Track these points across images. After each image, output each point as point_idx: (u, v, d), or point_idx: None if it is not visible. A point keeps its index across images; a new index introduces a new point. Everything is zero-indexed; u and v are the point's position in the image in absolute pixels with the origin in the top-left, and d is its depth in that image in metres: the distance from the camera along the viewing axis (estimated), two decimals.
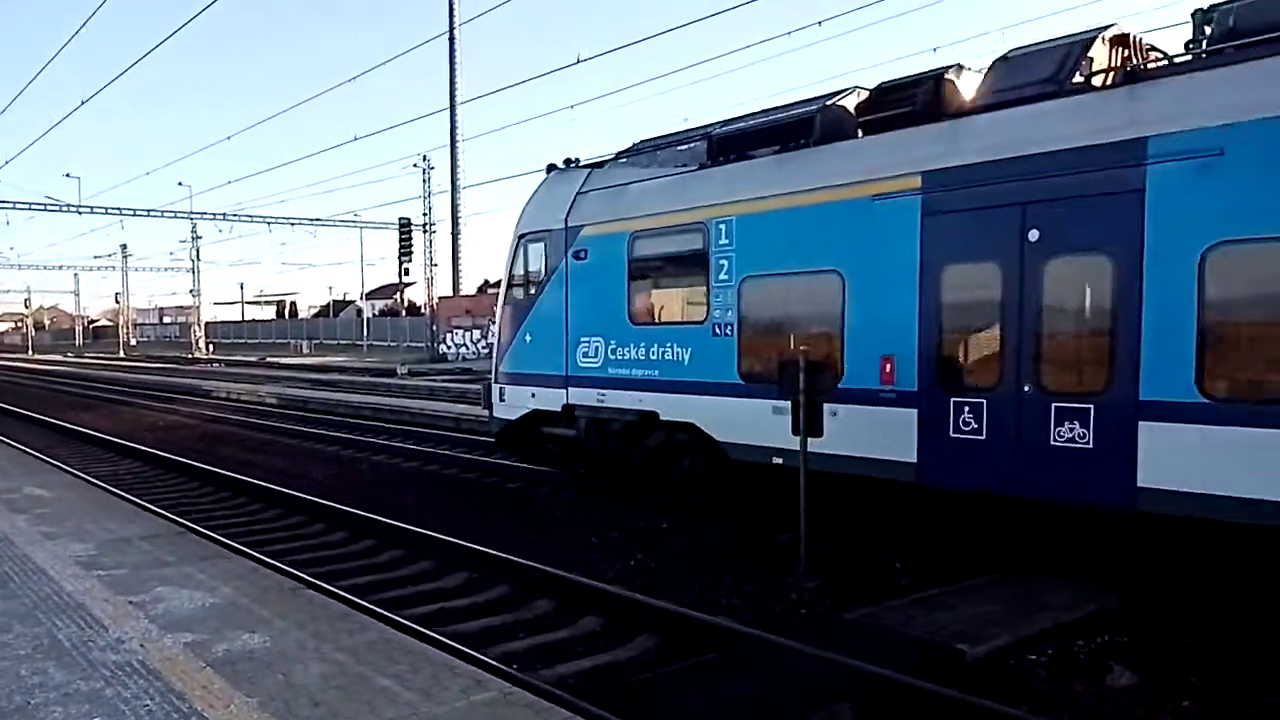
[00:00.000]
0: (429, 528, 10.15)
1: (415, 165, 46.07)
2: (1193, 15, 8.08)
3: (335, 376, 38.18)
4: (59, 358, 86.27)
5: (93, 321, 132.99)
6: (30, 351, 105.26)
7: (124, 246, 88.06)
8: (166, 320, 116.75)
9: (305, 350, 73.02)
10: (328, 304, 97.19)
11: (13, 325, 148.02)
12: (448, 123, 29.79)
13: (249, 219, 55.91)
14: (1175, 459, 7.19)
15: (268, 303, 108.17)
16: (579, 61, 22.19)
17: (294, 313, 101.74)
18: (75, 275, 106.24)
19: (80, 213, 53.17)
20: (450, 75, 28.83)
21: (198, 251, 76.61)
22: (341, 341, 76.12)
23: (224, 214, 57.26)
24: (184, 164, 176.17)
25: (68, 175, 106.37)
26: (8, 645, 5.27)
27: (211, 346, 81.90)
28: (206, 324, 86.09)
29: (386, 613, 6.87)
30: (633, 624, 7.26)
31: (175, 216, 59.36)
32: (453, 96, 29.21)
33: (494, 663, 5.93)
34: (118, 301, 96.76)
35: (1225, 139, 6.91)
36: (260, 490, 12.92)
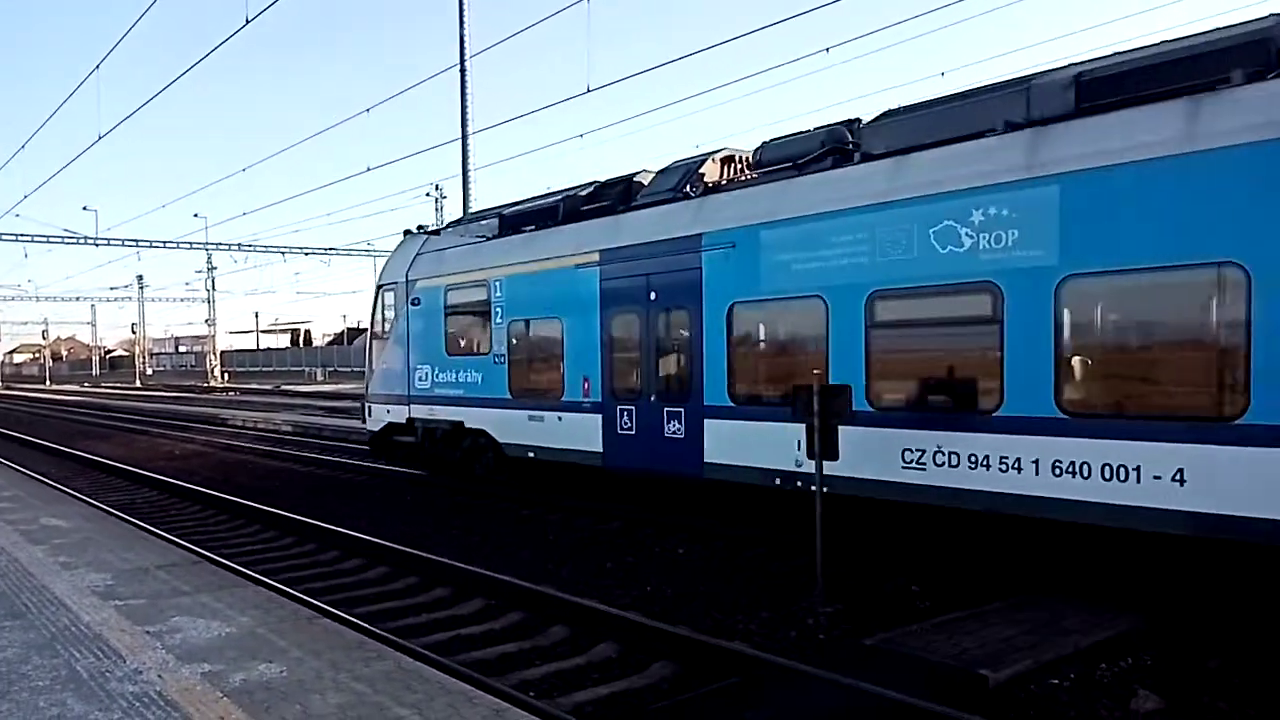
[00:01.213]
0: (443, 554, 10.14)
1: (428, 194, 46.31)
2: (755, 149, 11.50)
3: (349, 404, 38.29)
4: (76, 388, 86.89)
5: (109, 351, 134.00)
6: (48, 382, 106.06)
7: (140, 277, 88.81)
8: (182, 349, 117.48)
9: (320, 377, 73.34)
10: (342, 331, 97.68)
11: (31, 356, 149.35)
12: (459, 152, 29.95)
13: (264, 249, 56.37)
14: (721, 442, 10.76)
15: (282, 331, 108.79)
16: (589, 91, 22.31)
17: (308, 341, 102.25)
18: (92, 306, 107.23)
19: (98, 245, 53.65)
20: (461, 106, 29.04)
21: (213, 282, 77.18)
22: (356, 368, 76.39)
23: (239, 244, 57.72)
24: (199, 196, 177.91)
25: (85, 208, 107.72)
26: (26, 676, 5.27)
27: (227, 375, 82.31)
28: (222, 353, 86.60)
29: (403, 641, 6.84)
30: (649, 650, 7.21)
31: (191, 247, 59.88)
32: (464, 126, 29.39)
33: (512, 691, 5.89)
34: (134, 332, 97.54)
35: (735, 237, 10.60)
36: (275, 518, 12.95)
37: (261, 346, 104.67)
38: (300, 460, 20.25)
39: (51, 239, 52.84)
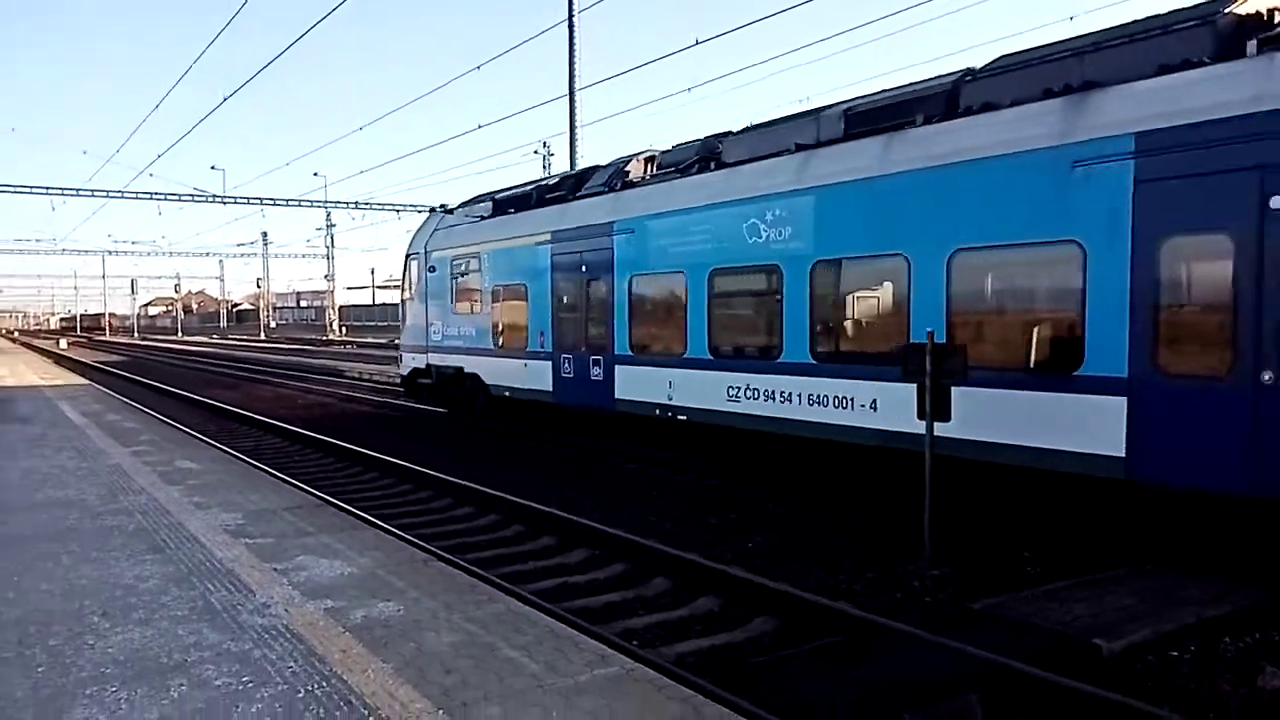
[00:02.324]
0: (553, 505, 10.38)
1: (536, 152, 46.61)
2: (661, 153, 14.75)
3: None
4: (205, 339, 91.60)
5: (235, 305, 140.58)
6: (179, 333, 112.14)
7: (264, 234, 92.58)
8: (303, 304, 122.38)
9: None
10: None
11: (164, 309, 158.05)
12: (567, 109, 30.04)
13: (379, 206, 57.88)
14: (626, 383, 13.76)
15: (397, 287, 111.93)
16: (697, 43, 22.04)
17: None
18: (220, 261, 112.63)
19: (224, 203, 55.80)
20: (570, 62, 29.06)
21: (332, 238, 79.93)
22: None
23: (356, 202, 59.34)
24: (319, 155, 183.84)
25: (213, 168, 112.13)
26: (166, 606, 5.65)
27: (345, 329, 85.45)
28: (340, 307, 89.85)
29: (513, 586, 7.05)
30: (751, 606, 7.25)
31: (311, 205, 61.86)
32: (572, 83, 29.43)
33: (616, 639, 6.02)
34: (259, 286, 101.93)
35: (634, 225, 13.53)
36: (391, 466, 13.45)
37: (378, 301, 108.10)
38: (414, 411, 20.93)
39: (182, 197, 55.25)
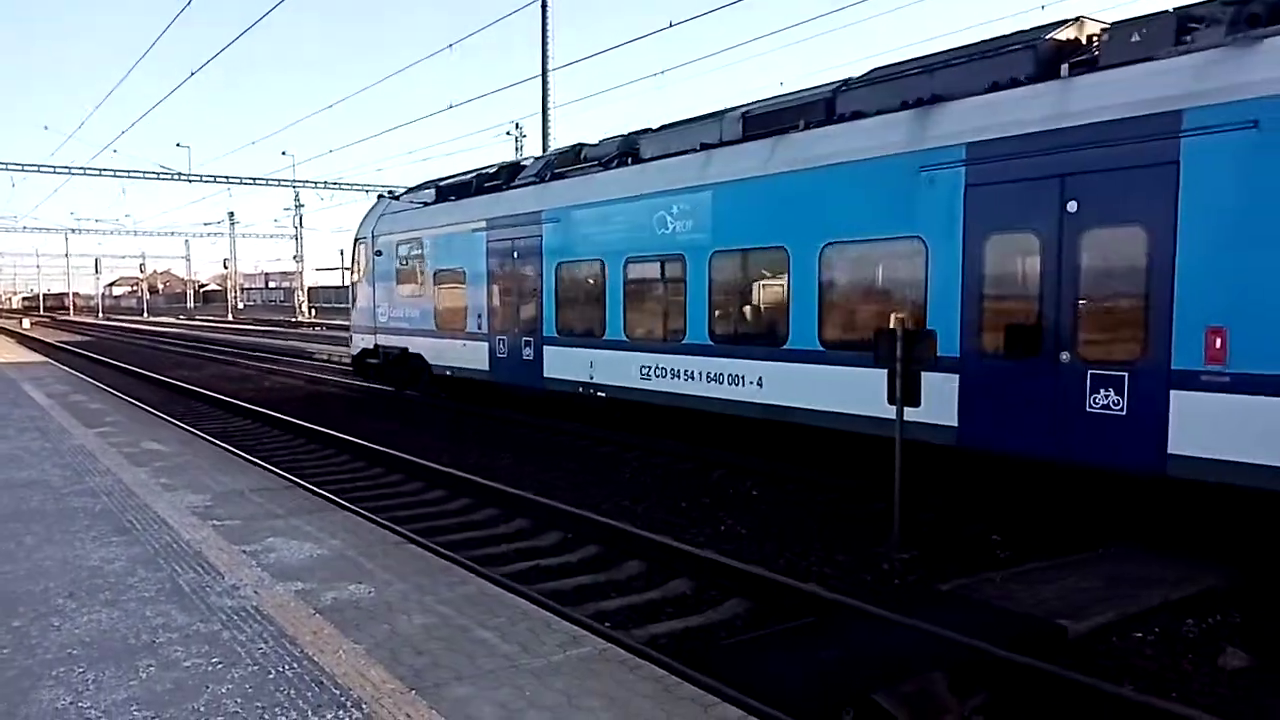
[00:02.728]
0: (525, 489, 10.37)
1: (508, 133, 46.33)
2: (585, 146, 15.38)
3: None
4: (172, 320, 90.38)
5: (203, 286, 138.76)
6: (145, 314, 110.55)
7: (231, 214, 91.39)
8: (272, 285, 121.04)
9: None
10: None
11: (129, 289, 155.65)
12: (539, 90, 29.85)
13: (349, 186, 57.36)
14: (553, 362, 14.72)
15: None
16: (670, 26, 21.96)
17: None
18: (186, 241, 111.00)
19: (190, 181, 55.23)
20: (543, 42, 28.86)
21: (300, 219, 79.02)
22: None
23: (325, 182, 58.89)
24: (287, 134, 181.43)
25: (179, 145, 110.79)
26: (133, 588, 5.59)
27: (314, 310, 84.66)
28: (309, 289, 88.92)
29: (485, 570, 7.03)
30: (723, 588, 7.29)
31: (280, 185, 61.28)
32: (545, 64, 29.24)
33: (589, 621, 6.03)
34: (226, 267, 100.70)
35: (559, 214, 14.42)
36: (361, 449, 13.36)
37: (347, 283, 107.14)
38: (383, 393, 20.79)
39: (147, 174, 54.62)
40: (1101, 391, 8.02)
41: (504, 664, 4.42)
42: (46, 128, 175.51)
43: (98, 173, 52.50)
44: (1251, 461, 7.07)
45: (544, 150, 27.17)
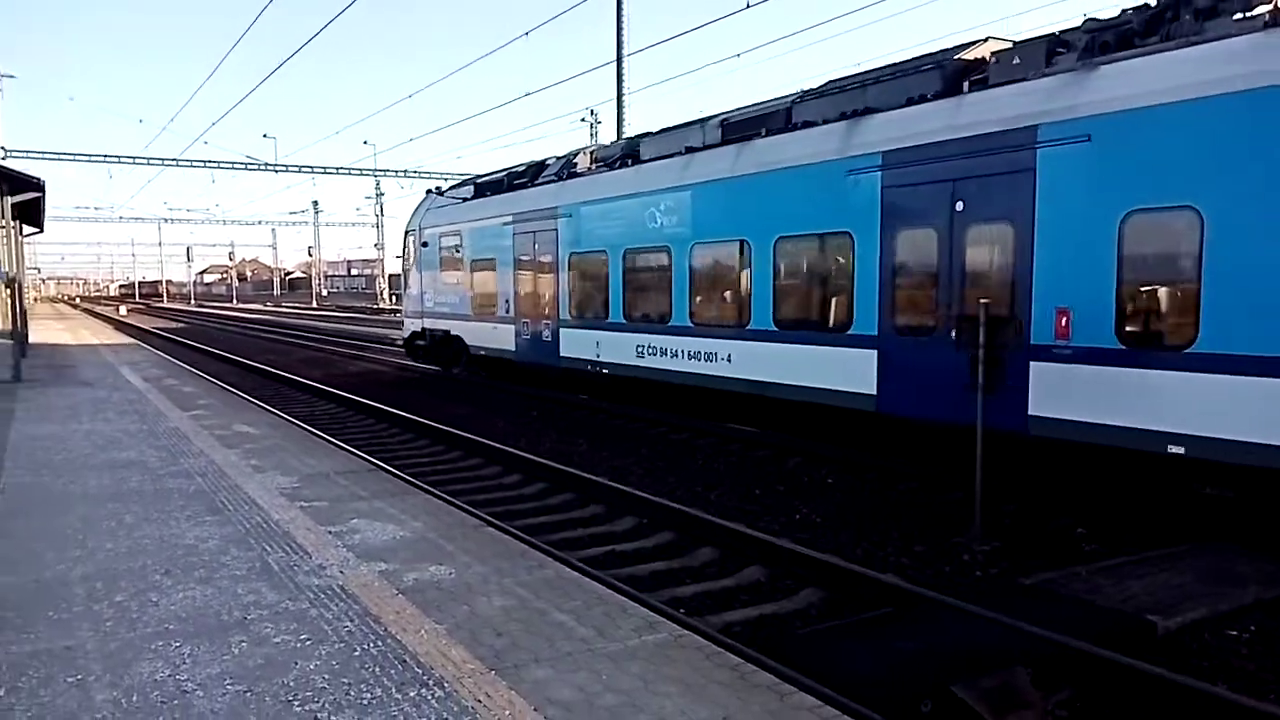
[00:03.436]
0: (600, 474, 10.45)
1: (583, 120, 46.51)
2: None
3: None
4: (259, 307, 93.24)
5: (288, 273, 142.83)
6: (234, 301, 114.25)
7: (315, 203, 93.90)
8: (354, 272, 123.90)
9: None
10: None
11: (219, 276, 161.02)
12: (614, 77, 29.86)
13: (428, 175, 58.26)
14: (568, 343, 16.41)
15: None
16: (748, 7, 21.72)
17: None
18: (273, 230, 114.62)
19: (277, 171, 56.81)
20: (617, 28, 28.84)
21: (381, 206, 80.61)
22: None
23: (405, 171, 59.92)
24: (369, 123, 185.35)
25: (265, 136, 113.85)
26: (226, 566, 5.80)
27: (395, 297, 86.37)
28: (390, 276, 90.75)
29: (562, 553, 7.11)
30: (798, 577, 7.25)
31: (361, 174, 62.63)
32: (620, 49, 29.22)
33: (664, 606, 6.06)
34: (310, 254, 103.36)
35: (572, 210, 16.03)
36: (440, 433, 13.62)
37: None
38: (464, 379, 21.14)
39: (235, 165, 56.31)
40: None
41: (581, 647, 4.47)
42: (141, 121, 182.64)
43: (189, 164, 54.36)
44: (1086, 420, 8.52)
45: (619, 135, 27.20)
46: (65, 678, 4.14)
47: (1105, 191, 8.35)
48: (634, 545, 8.36)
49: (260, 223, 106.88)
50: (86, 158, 53.33)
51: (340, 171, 59.87)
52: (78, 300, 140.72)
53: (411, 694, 3.96)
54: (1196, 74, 7.77)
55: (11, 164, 33.18)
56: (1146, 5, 8.88)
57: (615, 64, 29.57)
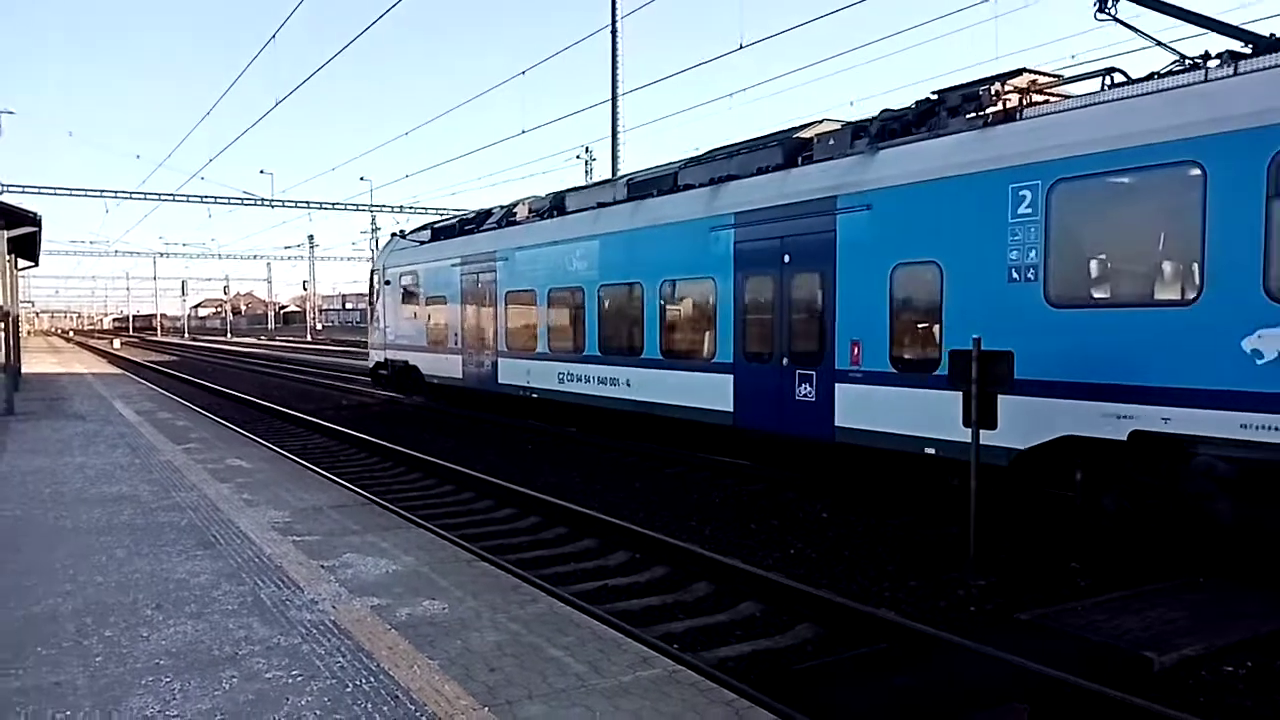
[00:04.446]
0: (593, 508, 10.41)
1: (578, 157, 46.88)
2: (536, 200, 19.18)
3: None
4: (253, 340, 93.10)
5: (283, 307, 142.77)
6: (229, 334, 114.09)
7: (311, 237, 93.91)
8: (349, 306, 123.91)
9: None
10: None
11: (213, 310, 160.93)
12: (609, 114, 30.14)
13: (424, 210, 58.49)
14: (503, 372, 18.43)
15: None
16: (741, 47, 22.01)
17: None
18: (268, 264, 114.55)
19: (272, 206, 56.94)
20: (612, 67, 29.16)
21: (377, 241, 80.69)
22: None
23: (400, 206, 60.13)
24: (365, 159, 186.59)
25: (262, 171, 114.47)
26: (217, 601, 5.76)
27: None
28: None
29: (555, 589, 7.07)
30: (793, 612, 7.21)
31: (357, 209, 62.84)
32: (614, 88, 29.52)
33: (658, 642, 6.02)
34: (305, 288, 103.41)
35: (507, 254, 18.32)
36: (433, 466, 13.58)
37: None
38: (456, 413, 21.12)
39: (232, 200, 56.46)
40: (803, 386, 11.42)
41: (575, 683, 4.44)
42: (139, 157, 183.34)
43: (185, 199, 54.48)
44: (873, 429, 10.51)
45: (613, 174, 27.44)
46: (54, 714, 4.10)
47: (880, 248, 10.41)
48: (628, 580, 8.32)
49: (256, 257, 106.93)
50: (83, 193, 53.44)
51: (336, 207, 60.08)
52: (71, 333, 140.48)
53: None
54: (936, 160, 9.88)
55: (8, 198, 33.24)
56: (926, 100, 10.80)
57: (610, 102, 29.86)
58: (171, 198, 54.14)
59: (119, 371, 34.82)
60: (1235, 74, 7.82)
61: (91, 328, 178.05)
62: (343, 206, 60.43)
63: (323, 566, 6.54)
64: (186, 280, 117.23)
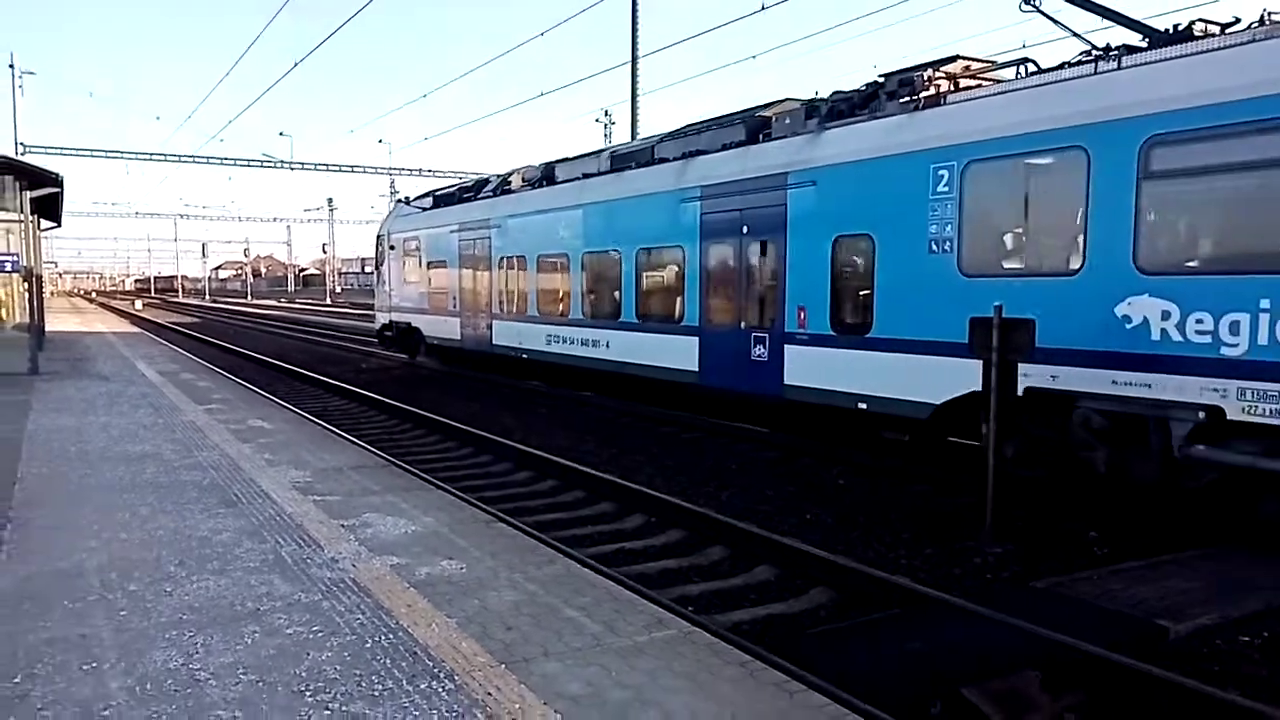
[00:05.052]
0: (610, 473, 10.47)
1: (597, 120, 46.52)
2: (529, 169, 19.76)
3: None
4: (274, 303, 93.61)
5: (303, 270, 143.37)
6: (249, 297, 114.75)
7: (330, 200, 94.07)
8: (368, 270, 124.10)
9: None
10: None
11: (234, 272, 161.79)
12: (629, 77, 29.89)
13: (443, 174, 58.44)
14: (498, 333, 19.37)
15: None
16: (763, 9, 21.72)
17: None
18: (288, 227, 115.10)
19: (292, 169, 57.06)
20: (632, 28, 28.86)
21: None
22: None
23: (419, 169, 60.15)
24: (384, 122, 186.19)
25: (281, 134, 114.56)
26: (239, 559, 5.85)
27: None
28: None
29: (572, 550, 7.13)
30: (808, 577, 7.24)
31: (376, 172, 62.86)
32: (634, 50, 29.24)
33: (673, 604, 6.07)
34: (325, 251, 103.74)
35: (500, 222, 19.25)
36: (452, 429, 13.67)
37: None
38: (476, 376, 21.22)
39: (251, 162, 56.62)
40: (758, 347, 12.35)
41: (590, 642, 4.49)
42: (159, 118, 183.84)
43: (206, 160, 54.70)
44: (816, 386, 11.44)
45: (632, 137, 27.27)
46: (80, 665, 4.19)
47: (824, 221, 11.28)
48: (643, 543, 8.38)
49: (275, 220, 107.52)
50: (104, 154, 53.66)
51: (355, 170, 60.09)
52: (93, 294, 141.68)
53: (422, 686, 3.98)
54: (872, 140, 10.73)
55: (30, 159, 33.38)
56: (873, 83, 11.45)
57: (630, 65, 29.59)
58: (191, 159, 54.40)
59: (141, 332, 35.13)
60: (1119, 68, 8.63)
61: (114, 289, 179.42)
62: (362, 169, 60.43)
63: (343, 526, 6.62)
64: (207, 243, 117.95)
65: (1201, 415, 7.65)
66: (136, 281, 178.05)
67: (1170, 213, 8.14)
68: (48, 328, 27.61)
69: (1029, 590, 6.92)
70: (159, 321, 50.74)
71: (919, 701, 5.17)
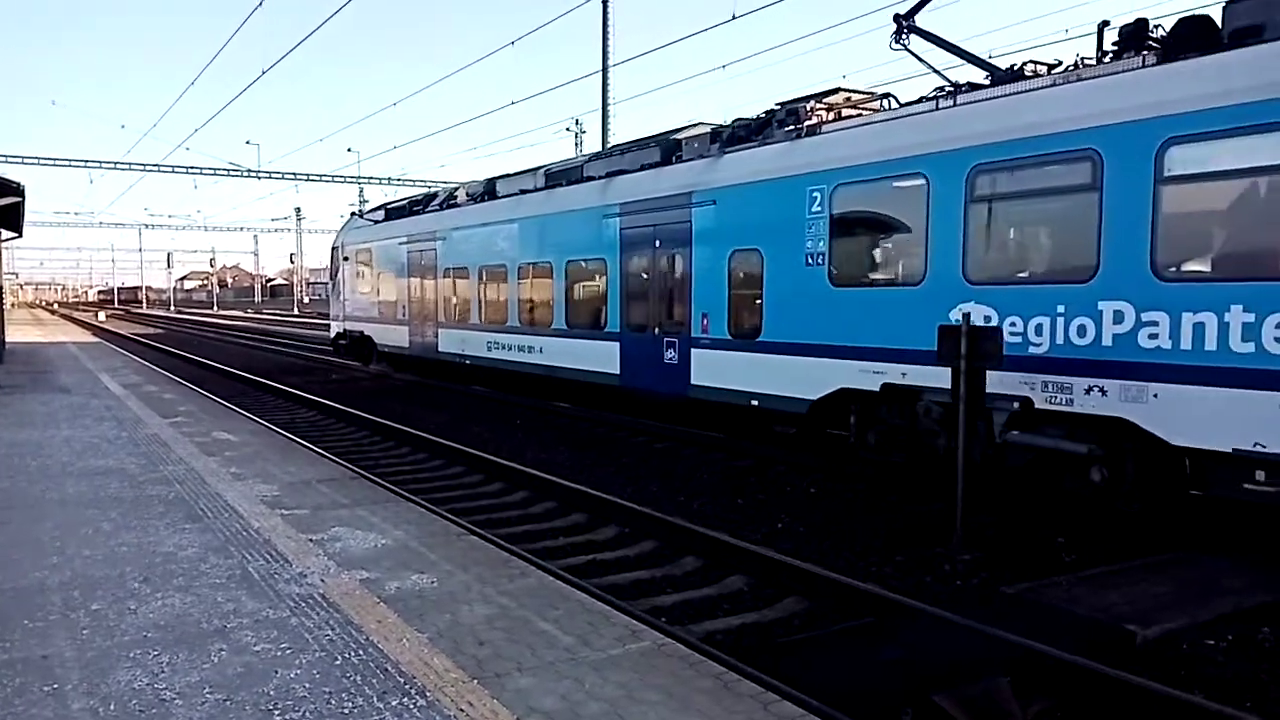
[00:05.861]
0: (583, 483, 10.43)
1: (568, 129, 46.62)
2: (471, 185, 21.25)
3: None
4: (240, 313, 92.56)
5: (270, 280, 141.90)
6: (215, 308, 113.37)
7: (298, 209, 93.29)
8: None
9: None
10: None
11: (199, 283, 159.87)
12: (599, 86, 29.95)
13: (412, 183, 58.16)
14: (444, 341, 20.56)
15: None
16: (734, 18, 21.87)
17: None
18: (255, 236, 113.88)
19: (259, 177, 56.58)
20: (603, 38, 28.93)
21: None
22: None
23: (389, 178, 59.81)
24: (353, 131, 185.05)
25: (248, 142, 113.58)
26: (205, 574, 5.76)
27: None
28: None
29: (545, 563, 7.09)
30: (780, 586, 7.25)
31: (345, 181, 62.43)
32: (605, 60, 29.31)
33: (647, 615, 6.05)
34: (292, 261, 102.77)
35: (445, 235, 20.51)
36: (422, 440, 13.57)
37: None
38: (444, 387, 21.09)
39: (218, 171, 56.02)
40: (669, 351, 13.54)
41: (564, 656, 4.47)
42: (123, 126, 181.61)
43: (171, 169, 54.02)
44: (717, 385, 12.68)
45: (603, 146, 27.32)
46: (41, 687, 4.10)
47: (721, 237, 12.51)
48: (616, 554, 8.35)
49: (242, 229, 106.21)
50: (67, 163, 52.89)
51: (324, 179, 59.67)
52: (56, 306, 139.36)
53: (393, 703, 3.94)
54: (761, 164, 11.92)
55: None
56: (768, 111, 12.62)
57: (601, 74, 29.65)
58: (156, 168, 53.65)
59: (104, 344, 34.59)
60: (955, 105, 9.82)
61: (76, 300, 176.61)
62: (330, 178, 60.01)
63: (311, 540, 6.54)
64: (172, 253, 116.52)
65: (1015, 405, 8.84)
66: (100, 293, 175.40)
67: (990, 231, 9.34)
68: (8, 339, 27.11)
69: (999, 596, 6.98)
70: (122, 333, 49.98)
71: (891, 708, 5.19)
